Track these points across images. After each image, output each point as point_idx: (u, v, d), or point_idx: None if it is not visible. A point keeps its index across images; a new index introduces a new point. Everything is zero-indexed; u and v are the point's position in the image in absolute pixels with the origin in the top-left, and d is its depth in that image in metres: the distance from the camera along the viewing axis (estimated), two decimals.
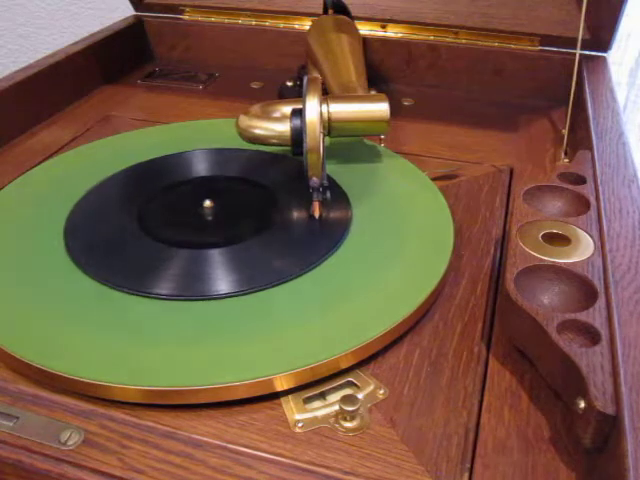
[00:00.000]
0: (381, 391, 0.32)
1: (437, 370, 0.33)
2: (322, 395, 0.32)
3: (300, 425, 0.30)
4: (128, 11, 0.76)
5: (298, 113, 0.43)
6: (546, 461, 0.28)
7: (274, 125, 0.46)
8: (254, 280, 0.37)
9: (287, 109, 0.47)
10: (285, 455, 0.29)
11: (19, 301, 0.36)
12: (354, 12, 0.65)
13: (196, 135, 0.54)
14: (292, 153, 0.45)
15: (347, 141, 0.52)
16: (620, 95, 0.87)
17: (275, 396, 0.32)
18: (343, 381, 0.33)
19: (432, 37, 0.67)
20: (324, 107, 0.45)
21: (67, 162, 0.51)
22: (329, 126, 0.46)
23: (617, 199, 0.39)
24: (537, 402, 0.31)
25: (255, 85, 0.69)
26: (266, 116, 0.47)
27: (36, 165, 0.51)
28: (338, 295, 0.36)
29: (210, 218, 0.43)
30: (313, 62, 0.59)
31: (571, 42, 0.58)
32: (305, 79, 0.43)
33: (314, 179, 0.41)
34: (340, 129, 0.47)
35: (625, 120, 0.58)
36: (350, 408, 0.30)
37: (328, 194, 0.42)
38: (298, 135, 0.43)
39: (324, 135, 0.43)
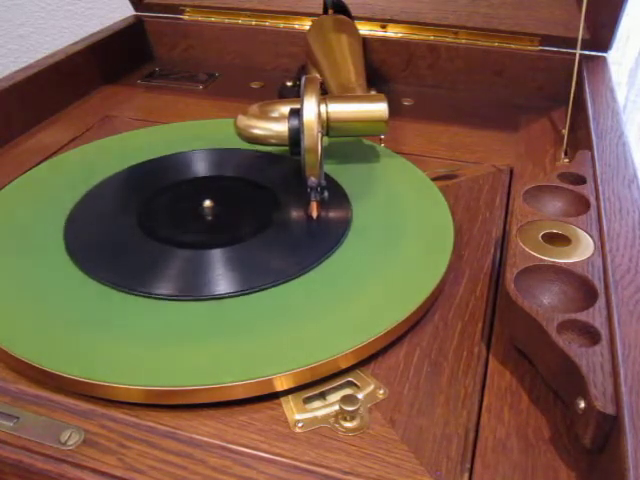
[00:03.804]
0: (381, 391, 0.32)
1: (437, 370, 0.33)
2: (322, 395, 0.32)
3: (300, 425, 0.30)
4: (128, 11, 0.76)
5: (296, 113, 0.43)
6: (546, 461, 0.28)
7: (272, 125, 0.46)
8: (254, 280, 0.37)
9: (285, 109, 0.47)
10: (285, 455, 0.29)
11: (19, 301, 0.36)
12: (354, 12, 0.65)
13: (196, 135, 0.54)
14: (290, 153, 0.45)
15: (347, 141, 0.52)
16: (620, 95, 0.87)
17: (275, 396, 0.32)
18: (343, 381, 0.32)
19: (432, 37, 0.67)
20: (322, 107, 0.45)
21: (67, 162, 0.51)
22: (328, 126, 0.46)
23: (617, 199, 0.39)
24: (537, 402, 0.31)
25: (255, 85, 0.69)
26: (264, 116, 0.47)
27: (36, 165, 0.51)
28: (338, 295, 0.36)
29: (210, 218, 0.43)
30: (313, 62, 0.59)
31: (571, 42, 0.58)
32: (303, 79, 0.43)
33: (312, 179, 0.41)
34: (339, 129, 0.47)
35: (625, 120, 0.58)
36: (350, 408, 0.30)
37: (326, 194, 0.42)
38: (296, 135, 0.43)
39: (322, 135, 0.43)
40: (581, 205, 0.39)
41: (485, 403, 0.31)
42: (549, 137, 0.57)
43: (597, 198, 0.39)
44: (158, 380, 0.31)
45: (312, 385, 0.32)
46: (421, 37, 0.67)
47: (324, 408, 0.31)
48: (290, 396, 0.32)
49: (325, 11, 0.65)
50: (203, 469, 0.28)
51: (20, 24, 1.07)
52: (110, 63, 0.69)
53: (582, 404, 0.27)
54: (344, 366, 0.33)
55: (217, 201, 0.44)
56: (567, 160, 0.52)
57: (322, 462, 0.28)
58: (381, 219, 0.43)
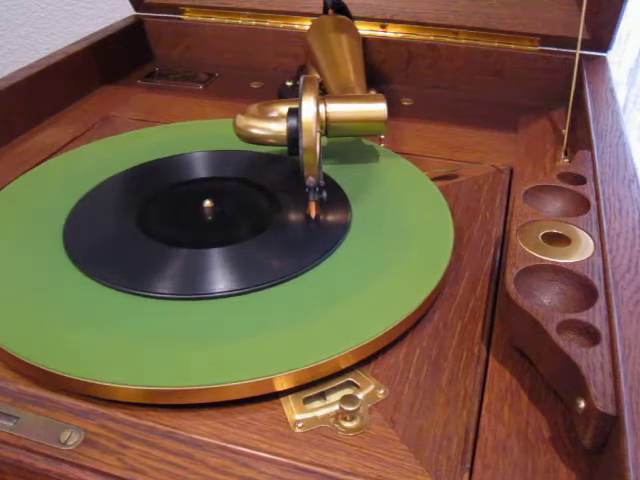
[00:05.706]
0: (381, 391, 0.32)
1: (437, 370, 0.33)
2: (322, 395, 0.32)
3: (300, 425, 0.30)
4: (128, 11, 0.76)
5: (294, 113, 0.43)
6: (546, 461, 0.28)
7: (271, 125, 0.46)
8: (254, 280, 0.37)
9: (284, 109, 0.47)
10: (285, 455, 0.29)
11: (19, 301, 0.36)
12: (354, 12, 0.65)
13: (196, 135, 0.54)
14: (288, 153, 0.45)
15: (347, 141, 0.52)
16: (620, 95, 0.87)
17: (275, 396, 0.32)
18: (343, 381, 0.32)
19: (432, 37, 0.67)
20: (321, 107, 0.45)
21: (67, 162, 0.51)
22: (327, 126, 0.46)
23: (617, 199, 0.39)
24: (537, 402, 0.31)
25: (255, 85, 0.69)
26: (263, 116, 0.47)
27: (36, 165, 0.51)
28: (338, 295, 0.36)
29: (209, 218, 0.43)
30: (313, 62, 0.59)
31: (571, 42, 0.58)
32: (302, 79, 0.43)
33: (310, 179, 0.41)
34: (338, 129, 0.47)
35: (625, 120, 0.58)
36: (350, 408, 0.30)
37: (324, 194, 0.42)
38: (294, 134, 0.43)
39: (320, 135, 0.43)
40: (581, 205, 0.39)
41: (485, 403, 0.31)
42: (549, 137, 0.57)
43: (597, 198, 0.39)
44: (158, 380, 0.31)
45: (312, 385, 0.32)
46: (421, 37, 0.67)
47: (324, 408, 0.31)
48: (290, 396, 0.32)
49: (325, 11, 0.65)
50: (203, 469, 0.28)
51: (20, 24, 1.07)
52: (110, 63, 0.69)
53: (582, 404, 0.27)
54: (344, 366, 0.32)
55: (217, 201, 0.44)
56: (567, 160, 0.52)
57: (322, 462, 0.28)
58: (381, 219, 0.43)
